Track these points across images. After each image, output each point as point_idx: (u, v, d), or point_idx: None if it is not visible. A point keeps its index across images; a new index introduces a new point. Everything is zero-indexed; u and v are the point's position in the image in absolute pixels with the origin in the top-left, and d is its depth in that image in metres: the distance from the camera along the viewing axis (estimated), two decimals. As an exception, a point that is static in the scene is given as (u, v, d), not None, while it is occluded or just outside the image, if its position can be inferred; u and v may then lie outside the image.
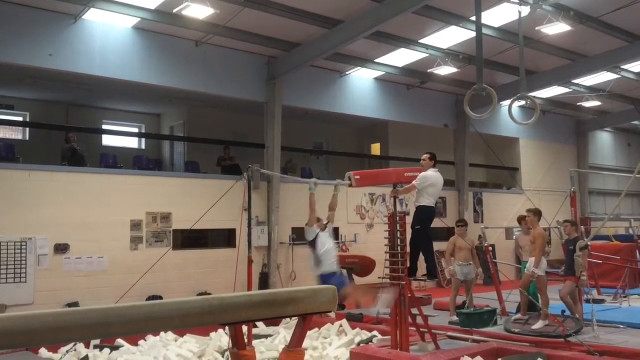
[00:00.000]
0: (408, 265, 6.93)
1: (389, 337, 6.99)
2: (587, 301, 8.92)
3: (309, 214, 7.01)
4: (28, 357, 7.38)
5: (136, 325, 4.29)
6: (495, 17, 11.77)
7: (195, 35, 12.01)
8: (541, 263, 8.23)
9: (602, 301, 10.63)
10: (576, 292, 8.47)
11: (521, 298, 8.60)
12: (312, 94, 14.17)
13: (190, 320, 4.61)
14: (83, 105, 15.12)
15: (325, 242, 7.19)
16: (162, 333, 8.15)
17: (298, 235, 14.01)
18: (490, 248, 10.54)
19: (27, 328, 3.59)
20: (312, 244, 7.09)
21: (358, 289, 8.16)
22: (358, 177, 6.72)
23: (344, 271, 7.37)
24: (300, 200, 14.02)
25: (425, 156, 7.44)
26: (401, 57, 13.99)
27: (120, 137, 16.08)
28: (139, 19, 11.05)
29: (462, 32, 12.43)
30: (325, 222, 7.44)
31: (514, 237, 12.06)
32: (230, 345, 5.22)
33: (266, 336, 8.42)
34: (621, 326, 8.23)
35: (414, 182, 7.08)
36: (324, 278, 6.91)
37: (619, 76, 15.95)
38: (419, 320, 7.03)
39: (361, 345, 7.53)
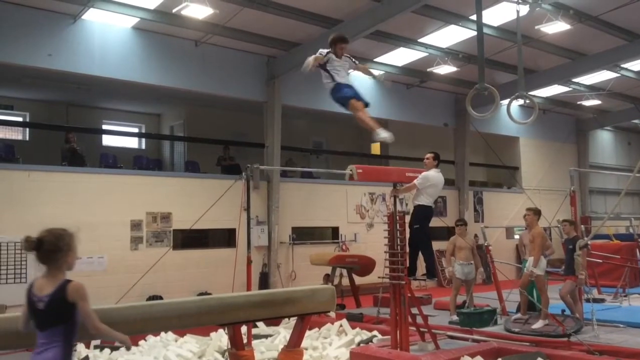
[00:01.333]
0: (408, 264, 6.91)
1: (389, 337, 6.97)
2: (587, 300, 8.91)
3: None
4: (29, 358, 7.37)
5: (135, 325, 4.32)
6: (494, 16, 11.76)
7: (194, 35, 12.02)
8: (540, 262, 8.22)
9: (602, 300, 10.61)
10: (576, 292, 8.46)
11: (521, 298, 8.59)
12: (312, 94, 14.12)
13: (189, 320, 4.65)
14: (83, 105, 15.11)
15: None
16: (162, 333, 8.14)
17: (298, 235, 14.02)
18: (490, 247, 10.54)
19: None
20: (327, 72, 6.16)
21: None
22: (360, 170, 6.69)
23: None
24: (299, 200, 14.07)
25: (429, 155, 7.40)
26: (401, 56, 14.00)
27: (120, 137, 16.08)
28: (138, 19, 11.06)
29: (461, 31, 12.43)
30: None
31: (517, 235, 12.04)
32: (229, 345, 5.23)
33: (266, 336, 8.41)
34: (621, 325, 8.21)
35: (414, 181, 7.06)
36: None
37: (618, 75, 15.95)
38: (419, 320, 7.02)
39: (361, 345, 7.53)
